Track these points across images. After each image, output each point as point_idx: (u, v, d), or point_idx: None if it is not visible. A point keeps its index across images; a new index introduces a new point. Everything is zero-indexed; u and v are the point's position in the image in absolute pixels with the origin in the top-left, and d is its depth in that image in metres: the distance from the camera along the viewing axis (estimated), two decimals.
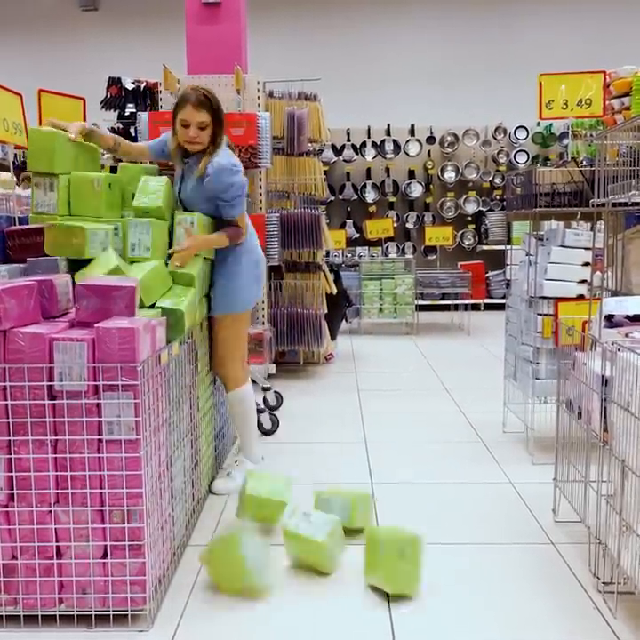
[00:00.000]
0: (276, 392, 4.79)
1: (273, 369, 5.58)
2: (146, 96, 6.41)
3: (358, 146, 10.13)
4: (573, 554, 2.73)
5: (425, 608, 2.40)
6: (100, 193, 3.02)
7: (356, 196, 10.15)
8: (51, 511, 2.21)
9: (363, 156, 10.14)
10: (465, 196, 10.16)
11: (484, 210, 10.09)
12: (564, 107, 4.11)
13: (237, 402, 3.44)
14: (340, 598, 2.46)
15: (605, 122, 5.84)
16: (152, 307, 2.71)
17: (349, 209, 10.20)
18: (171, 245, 3.09)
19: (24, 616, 2.26)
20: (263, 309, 5.71)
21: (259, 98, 5.66)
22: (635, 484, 2.21)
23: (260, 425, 4.32)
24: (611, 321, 2.81)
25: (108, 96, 6.50)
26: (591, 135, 6.42)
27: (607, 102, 5.31)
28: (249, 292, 3.36)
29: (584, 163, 4.20)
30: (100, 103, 6.44)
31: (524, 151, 10.08)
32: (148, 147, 3.48)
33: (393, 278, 8.10)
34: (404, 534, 2.50)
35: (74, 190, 3.02)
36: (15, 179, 4.80)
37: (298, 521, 2.65)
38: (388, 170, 10.20)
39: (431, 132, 10.18)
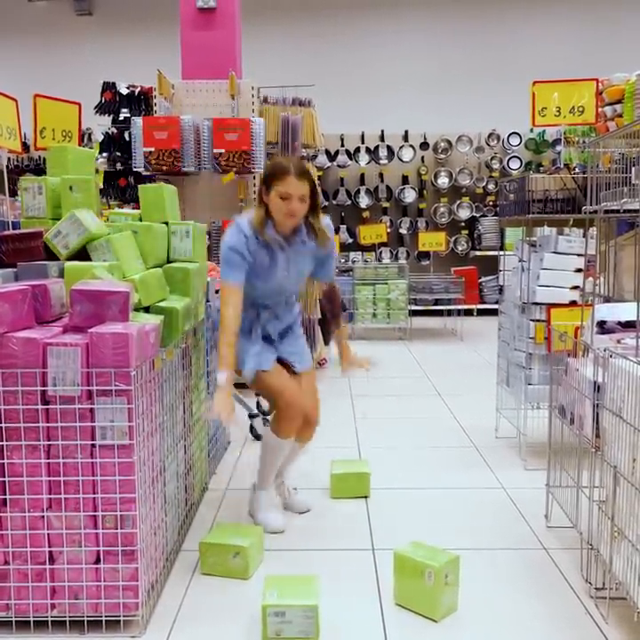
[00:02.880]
0: None
1: None
2: (140, 101, 6.41)
3: (352, 151, 10.15)
4: (565, 559, 2.74)
5: (416, 613, 2.40)
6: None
7: (349, 202, 10.17)
8: (43, 516, 2.21)
9: (356, 162, 10.16)
10: (458, 202, 10.20)
11: (478, 216, 10.12)
12: (557, 114, 4.13)
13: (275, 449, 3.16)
14: (328, 596, 2.46)
15: (598, 129, 5.87)
16: (148, 309, 2.72)
17: (343, 214, 10.22)
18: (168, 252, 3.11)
19: (16, 621, 2.25)
20: None
21: (253, 103, 5.68)
22: (626, 489, 2.22)
23: (253, 429, 4.32)
24: (603, 327, 2.83)
25: (103, 101, 6.49)
26: (584, 142, 6.45)
27: (599, 110, 5.34)
28: None
29: (577, 169, 4.22)
30: (95, 108, 6.44)
31: (517, 157, 10.12)
32: (239, 286, 2.85)
33: (386, 283, 8.11)
34: (445, 558, 2.39)
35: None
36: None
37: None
38: (381, 175, 10.22)
39: (425, 138, 10.22)
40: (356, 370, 3.17)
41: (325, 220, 3.01)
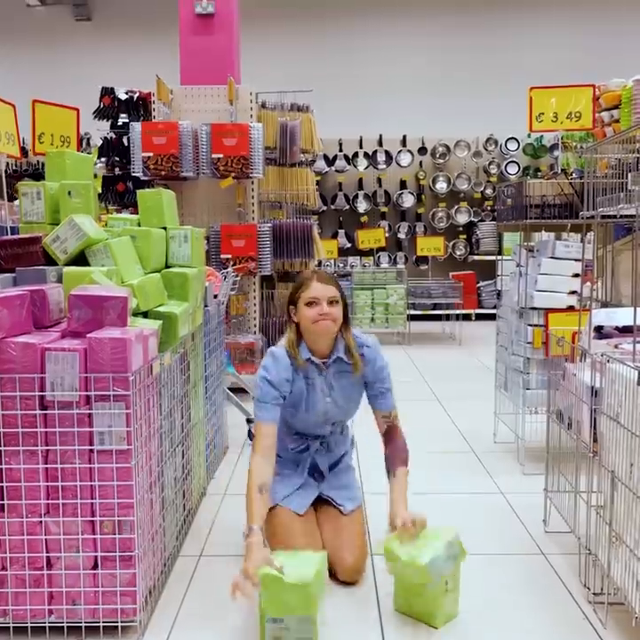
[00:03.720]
0: None
1: None
2: (139, 106, 6.42)
3: (350, 156, 10.18)
4: (564, 564, 2.74)
5: (414, 619, 2.40)
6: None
7: (347, 206, 10.19)
8: (41, 522, 2.20)
9: (355, 167, 10.19)
10: (456, 207, 10.22)
11: (476, 220, 10.14)
12: (554, 119, 4.14)
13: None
14: (333, 606, 2.46)
15: (595, 134, 5.89)
16: (146, 315, 2.72)
17: (341, 219, 10.24)
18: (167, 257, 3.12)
19: (13, 627, 2.24)
20: (255, 319, 5.71)
21: (251, 108, 5.69)
22: (624, 494, 2.22)
23: (251, 434, 4.32)
24: (600, 332, 2.83)
25: (101, 106, 6.51)
26: (581, 147, 6.46)
27: (597, 115, 5.35)
28: None
29: (574, 174, 4.24)
30: (93, 113, 6.45)
31: (515, 162, 10.15)
32: (271, 425, 2.57)
33: (385, 288, 8.12)
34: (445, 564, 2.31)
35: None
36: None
37: None
38: (379, 180, 10.24)
39: (423, 143, 10.25)
40: (405, 532, 2.37)
41: (369, 339, 2.76)
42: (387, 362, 2.79)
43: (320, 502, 2.84)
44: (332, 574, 2.58)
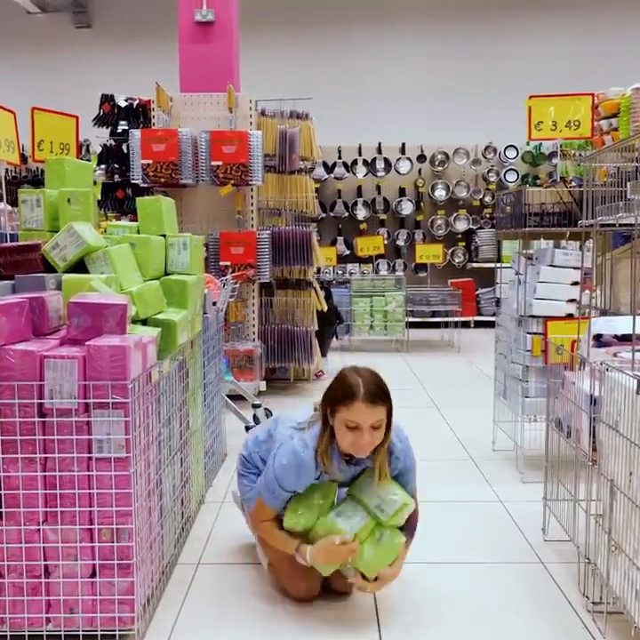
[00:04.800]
0: (265, 409, 4.78)
1: (263, 386, 5.58)
2: (138, 113, 6.43)
3: (349, 164, 10.19)
4: (563, 573, 2.73)
5: (413, 627, 2.39)
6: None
7: (346, 214, 10.20)
8: (39, 530, 2.20)
9: (354, 174, 10.20)
10: (455, 214, 10.23)
11: (474, 228, 10.16)
12: (553, 128, 4.15)
13: None
14: (332, 614, 2.45)
15: (594, 143, 5.90)
16: (145, 322, 2.72)
17: (340, 226, 10.25)
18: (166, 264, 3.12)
19: (11, 636, 2.23)
20: (254, 326, 5.71)
21: (251, 116, 5.70)
22: (623, 503, 2.22)
23: None
24: (599, 340, 2.84)
25: (101, 113, 6.52)
26: (580, 155, 6.48)
27: (595, 123, 5.37)
28: None
29: (573, 183, 4.25)
30: (93, 120, 6.46)
31: (514, 170, 10.17)
32: (277, 512, 2.50)
33: (383, 295, 8.12)
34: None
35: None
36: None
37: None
38: (378, 187, 10.26)
39: (422, 151, 10.26)
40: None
41: (401, 444, 2.46)
42: (414, 460, 2.53)
43: None
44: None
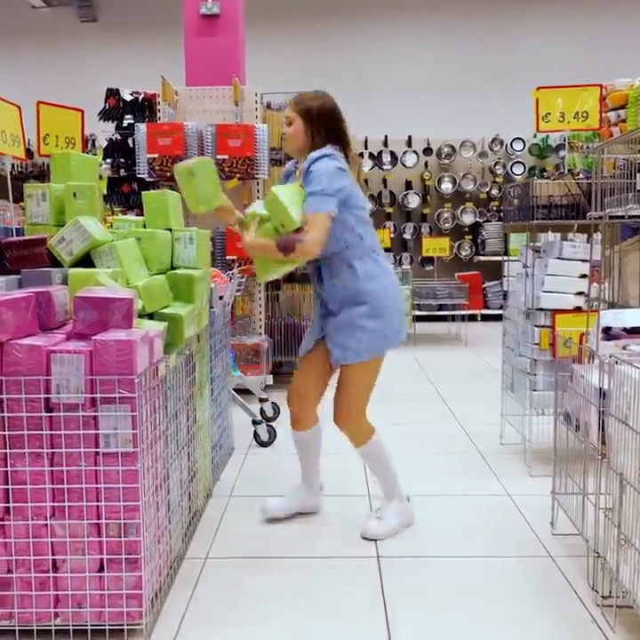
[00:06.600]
0: (273, 403, 4.78)
1: (270, 380, 5.57)
2: (144, 107, 6.41)
3: None
4: (571, 567, 2.72)
5: (422, 621, 2.39)
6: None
7: None
8: (47, 524, 2.20)
9: (360, 167, 10.17)
10: (462, 207, 10.20)
11: (481, 221, 10.12)
12: (561, 120, 4.12)
13: (370, 457, 3.07)
14: (338, 605, 2.45)
15: (602, 134, 5.87)
16: (151, 316, 2.71)
17: None
18: (172, 259, 3.13)
19: (19, 630, 2.24)
20: (260, 320, 5.71)
21: (256, 109, 5.69)
22: (633, 497, 2.20)
23: (257, 436, 4.31)
24: (608, 333, 2.81)
25: (106, 107, 6.50)
26: (588, 147, 6.44)
27: (603, 115, 5.33)
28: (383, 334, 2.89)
29: (581, 175, 4.21)
30: (98, 114, 6.45)
31: (521, 163, 10.13)
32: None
33: None
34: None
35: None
36: None
37: None
38: (385, 181, 10.23)
39: (428, 144, 10.23)
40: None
41: (314, 153, 2.81)
42: (311, 171, 2.81)
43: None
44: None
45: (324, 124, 2.87)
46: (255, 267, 2.98)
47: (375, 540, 2.96)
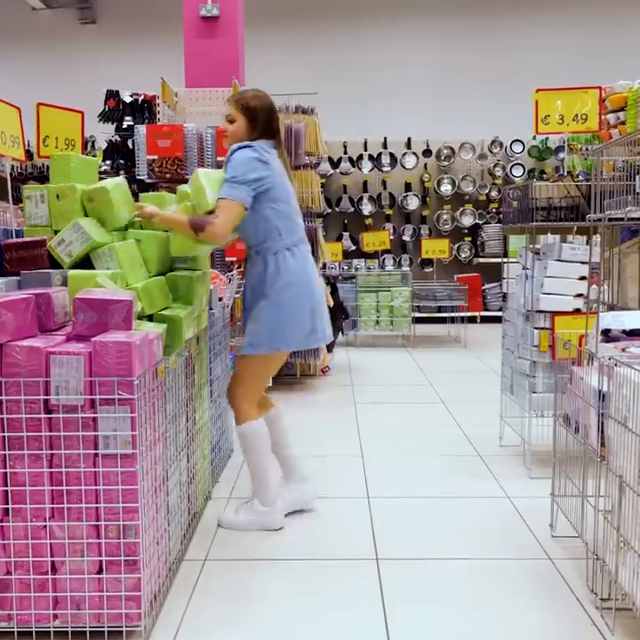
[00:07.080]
0: None
1: (269, 381, 5.56)
2: (144, 109, 6.41)
3: (355, 159, 10.16)
4: (571, 569, 2.72)
5: (421, 623, 2.38)
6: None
7: (352, 209, 10.18)
8: (46, 526, 2.20)
9: (359, 169, 10.17)
10: (461, 209, 10.20)
11: (481, 223, 10.12)
12: (560, 122, 4.13)
13: (243, 444, 3.15)
14: (339, 606, 2.44)
15: (601, 136, 5.88)
16: (151, 318, 2.71)
17: (346, 221, 10.22)
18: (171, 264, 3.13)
19: (18, 632, 2.24)
20: None
21: None
22: (632, 499, 2.20)
23: None
24: (608, 335, 2.82)
25: (106, 109, 6.51)
26: (587, 149, 6.45)
27: (603, 117, 5.34)
28: (279, 333, 2.99)
29: (580, 177, 4.22)
30: (98, 116, 6.46)
31: (520, 164, 10.13)
32: None
33: (389, 291, 8.10)
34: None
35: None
36: None
37: None
38: (384, 182, 10.23)
39: (427, 146, 10.24)
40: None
41: (238, 153, 2.91)
42: (229, 160, 2.91)
43: None
44: None
45: (263, 122, 3.06)
46: (172, 241, 3.01)
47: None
